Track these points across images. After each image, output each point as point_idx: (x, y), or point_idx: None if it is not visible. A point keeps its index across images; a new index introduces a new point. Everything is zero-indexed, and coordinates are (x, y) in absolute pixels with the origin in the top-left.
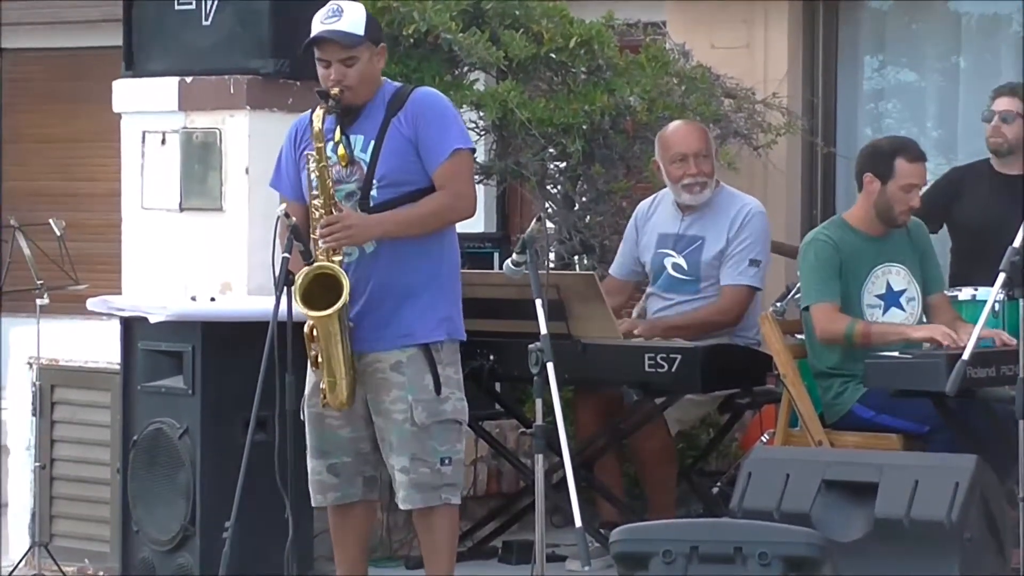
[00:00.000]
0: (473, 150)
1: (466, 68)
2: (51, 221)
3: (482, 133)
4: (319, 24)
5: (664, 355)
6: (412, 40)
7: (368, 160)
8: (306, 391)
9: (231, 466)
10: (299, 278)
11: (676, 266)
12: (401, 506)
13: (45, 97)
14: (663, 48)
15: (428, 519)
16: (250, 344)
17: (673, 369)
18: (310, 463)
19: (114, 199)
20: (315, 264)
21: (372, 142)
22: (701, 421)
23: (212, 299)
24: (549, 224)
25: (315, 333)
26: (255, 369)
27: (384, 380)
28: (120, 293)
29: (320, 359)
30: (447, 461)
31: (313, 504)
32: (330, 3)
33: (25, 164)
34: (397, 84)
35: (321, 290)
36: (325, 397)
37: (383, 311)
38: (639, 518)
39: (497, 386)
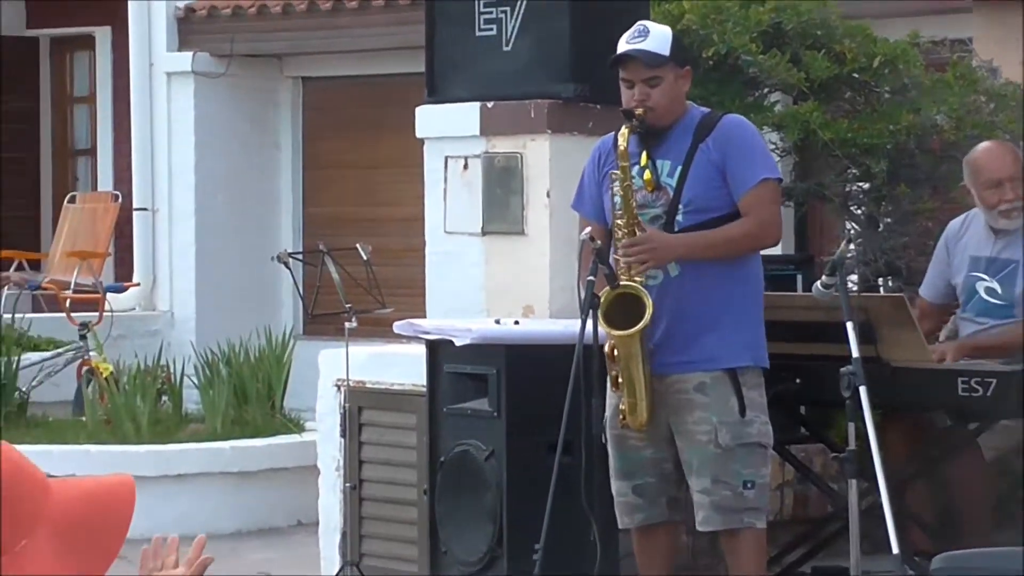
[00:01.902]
0: (780, 180)
1: (766, 90)
2: (358, 246)
3: (782, 155)
4: (624, 44)
5: (979, 379)
6: (711, 62)
7: (675, 185)
8: (607, 413)
9: (537, 489)
10: (602, 298)
11: (989, 290)
12: (699, 527)
13: (346, 124)
14: (970, 65)
15: (733, 542)
16: (553, 367)
17: (989, 393)
18: (615, 485)
19: (414, 223)
20: (618, 284)
21: (679, 167)
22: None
23: (516, 322)
24: (852, 246)
25: (615, 353)
26: (558, 392)
27: (688, 401)
28: (422, 316)
29: (620, 379)
30: (750, 485)
31: (620, 526)
32: (637, 24)
33: (327, 190)
34: (704, 109)
35: (622, 310)
36: (624, 418)
37: (686, 334)
38: (953, 547)
39: (802, 409)
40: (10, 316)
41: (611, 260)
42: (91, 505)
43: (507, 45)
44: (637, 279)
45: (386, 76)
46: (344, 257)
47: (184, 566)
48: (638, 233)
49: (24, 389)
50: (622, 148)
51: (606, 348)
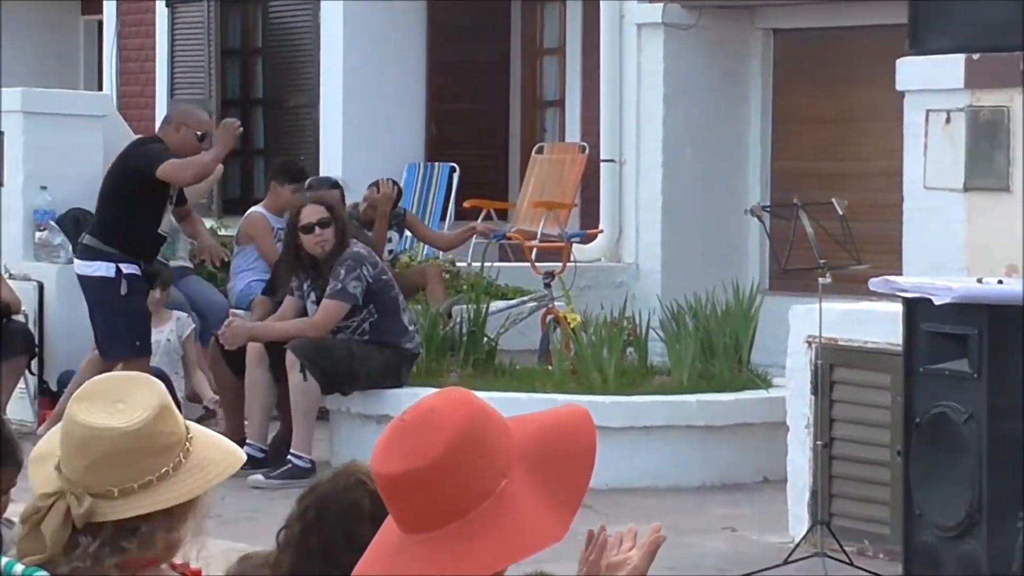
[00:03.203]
0: None
1: None
2: (834, 200)
3: None
4: None
5: None
6: None
7: None
8: None
9: (1020, 454)
10: None
11: None
12: None
13: (817, 77)
14: None
15: None
16: None
17: None
18: None
19: (886, 178)
20: None
21: None
22: None
23: (999, 282)
24: None
25: None
26: None
27: None
28: (898, 273)
29: None
30: None
31: None
32: None
33: (795, 144)
34: None
35: None
36: None
37: None
38: None
39: None
40: (479, 265)
41: None
42: (553, 437)
43: None
44: None
45: (859, 28)
46: (816, 211)
47: (638, 550)
48: None
49: (492, 336)
50: None
51: None
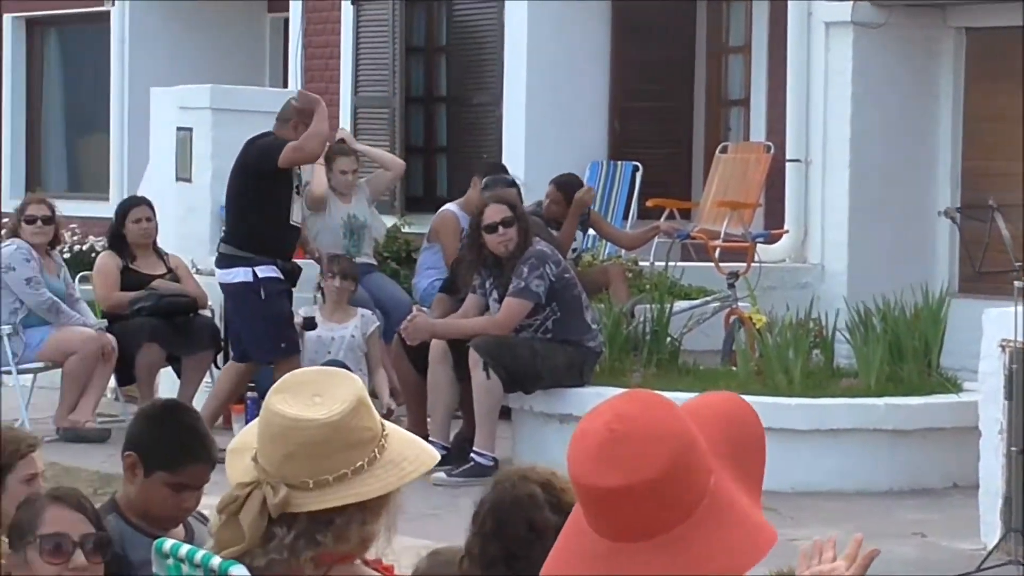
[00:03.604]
0: None
1: None
2: None
3: None
4: None
5: None
6: None
7: None
8: None
9: None
10: None
11: None
12: None
13: (1011, 76)
14: None
15: None
16: None
17: None
18: None
19: None
20: None
21: None
22: None
23: None
24: None
25: None
26: None
27: None
28: None
29: None
30: None
31: None
32: None
33: (987, 144)
34: None
35: None
36: None
37: None
38: None
39: None
40: (661, 264)
41: None
42: (732, 427)
43: None
44: None
45: None
46: (1010, 213)
47: (844, 560)
48: None
49: (675, 336)
50: None
51: None
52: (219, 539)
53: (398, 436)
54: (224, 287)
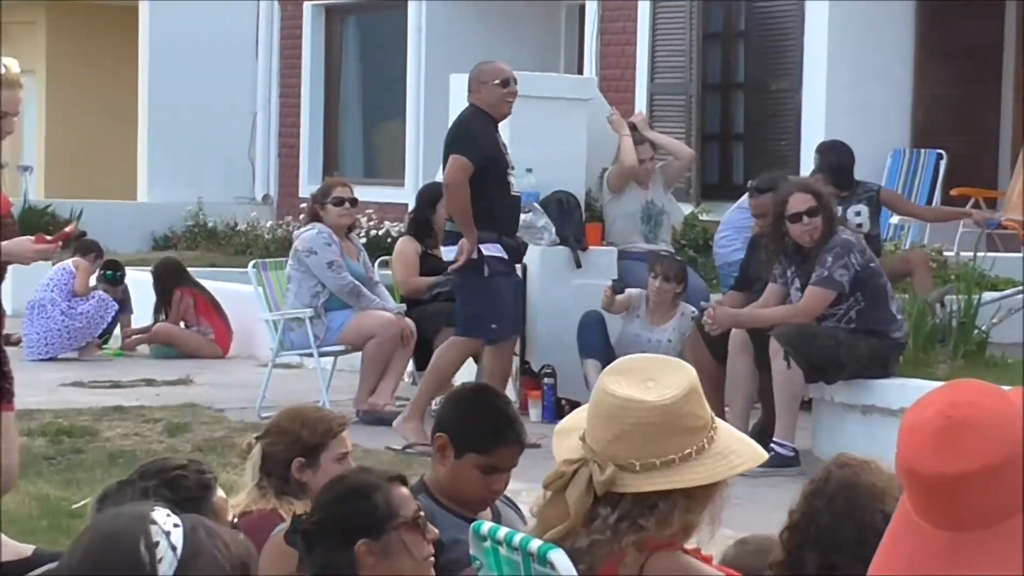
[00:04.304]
0: None
1: None
2: None
3: None
4: None
5: None
6: None
7: None
8: None
9: None
10: None
11: None
12: None
13: None
14: None
15: None
16: None
17: None
18: None
19: None
20: None
21: None
22: None
23: None
24: None
25: None
26: None
27: None
28: None
29: None
30: None
31: None
32: None
33: None
34: None
35: None
36: None
37: None
38: None
39: None
40: (968, 255)
41: None
42: None
43: None
44: None
45: None
46: None
47: None
48: None
49: (983, 328)
50: None
51: None
52: (543, 516)
53: (727, 429)
54: (450, 263)
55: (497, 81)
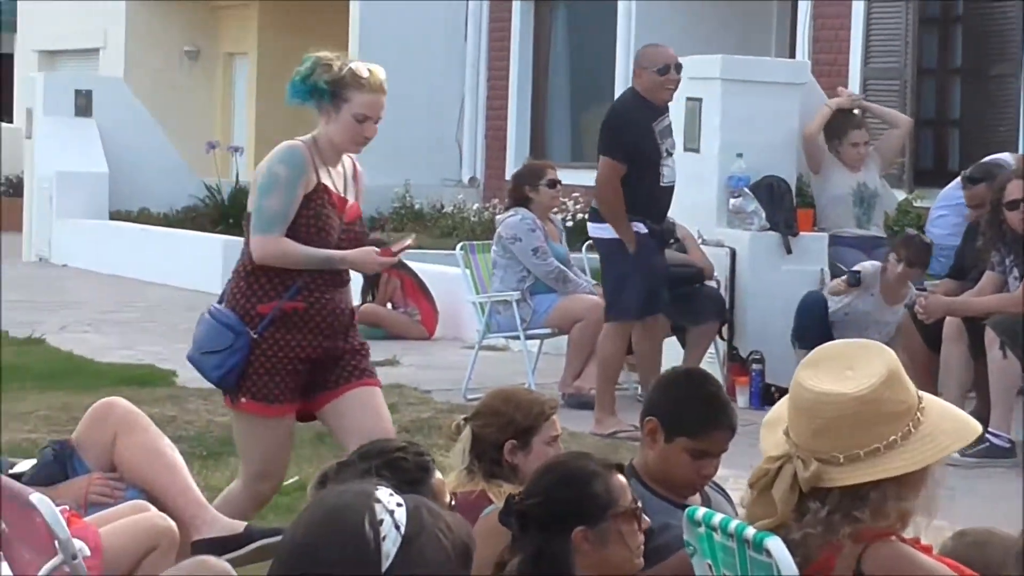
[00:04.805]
0: None
1: None
2: None
3: None
4: None
5: None
6: None
7: None
8: None
9: None
10: None
11: None
12: None
13: None
14: None
15: None
16: None
17: None
18: None
19: None
20: None
21: None
22: None
23: None
24: None
25: None
26: None
27: None
28: None
29: None
30: None
31: None
32: None
33: None
34: None
35: None
36: None
37: None
38: None
39: None
40: None
41: None
42: None
43: None
44: None
45: None
46: None
47: None
48: None
49: None
50: None
51: None
52: (750, 513)
53: (936, 407)
54: (596, 241)
55: (656, 68)
